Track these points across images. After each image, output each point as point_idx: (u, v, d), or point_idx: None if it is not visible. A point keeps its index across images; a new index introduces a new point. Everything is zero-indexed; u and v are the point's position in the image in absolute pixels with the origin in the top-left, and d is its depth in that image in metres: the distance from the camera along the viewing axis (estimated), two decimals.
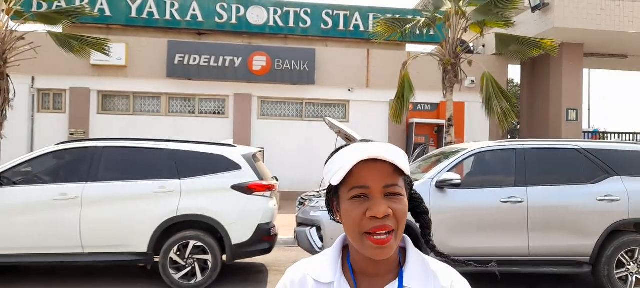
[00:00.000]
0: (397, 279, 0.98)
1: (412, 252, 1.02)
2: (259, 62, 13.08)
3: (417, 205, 1.07)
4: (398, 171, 0.95)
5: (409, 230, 1.08)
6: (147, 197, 5.42)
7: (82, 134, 12.43)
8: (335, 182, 0.94)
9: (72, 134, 12.45)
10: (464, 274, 1.04)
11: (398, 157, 0.95)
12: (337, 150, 1.00)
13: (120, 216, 5.37)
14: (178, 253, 5.39)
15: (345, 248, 1.05)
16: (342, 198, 0.97)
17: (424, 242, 1.08)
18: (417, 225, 1.11)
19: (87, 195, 5.38)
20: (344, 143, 1.00)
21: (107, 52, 9.77)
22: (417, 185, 5.29)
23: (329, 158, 1.01)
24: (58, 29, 9.91)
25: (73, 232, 5.31)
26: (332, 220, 1.05)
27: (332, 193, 1.01)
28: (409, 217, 1.08)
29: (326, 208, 1.06)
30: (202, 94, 13.34)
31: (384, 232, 0.91)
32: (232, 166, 5.62)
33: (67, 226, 5.32)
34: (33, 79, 12.66)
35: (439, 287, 0.98)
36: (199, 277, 5.38)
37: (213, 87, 13.20)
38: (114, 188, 5.48)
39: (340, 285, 0.99)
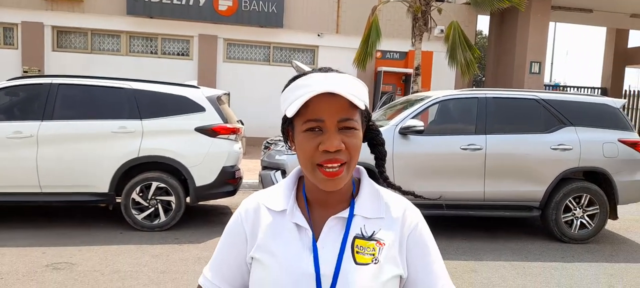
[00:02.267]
0: (348, 208, 1.00)
1: (366, 182, 1.04)
2: (225, 2, 12.58)
3: (373, 137, 1.07)
4: (355, 105, 0.93)
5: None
6: (107, 137, 5.29)
7: (36, 72, 11.82)
8: (289, 115, 0.93)
9: (25, 72, 11.82)
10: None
11: (355, 90, 0.93)
12: (294, 79, 0.97)
13: (78, 156, 5.24)
14: (141, 194, 5.35)
15: (301, 180, 1.06)
16: (296, 130, 0.96)
17: (377, 172, 1.10)
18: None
19: (43, 134, 5.20)
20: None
21: None
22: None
23: (286, 86, 0.98)
24: None
25: (30, 172, 5.17)
26: (287, 149, 1.07)
27: (287, 124, 1.00)
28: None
29: (283, 140, 1.05)
30: (165, 33, 12.81)
31: (336, 164, 0.92)
32: (196, 108, 5.51)
33: (23, 165, 5.17)
34: None
35: (391, 216, 1.01)
36: (163, 217, 5.38)
37: (176, 27, 12.69)
38: (72, 127, 5.30)
39: (292, 213, 1.00)
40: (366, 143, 1.07)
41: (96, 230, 5.34)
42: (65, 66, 11.93)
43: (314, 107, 0.91)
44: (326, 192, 0.98)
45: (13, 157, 5.16)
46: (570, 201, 5.57)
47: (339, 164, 0.92)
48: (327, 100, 0.91)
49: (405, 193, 1.09)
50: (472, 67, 9.67)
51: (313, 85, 0.91)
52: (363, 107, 0.94)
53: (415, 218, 1.02)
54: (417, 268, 1.00)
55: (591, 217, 5.61)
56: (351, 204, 1.00)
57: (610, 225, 6.25)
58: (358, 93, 0.93)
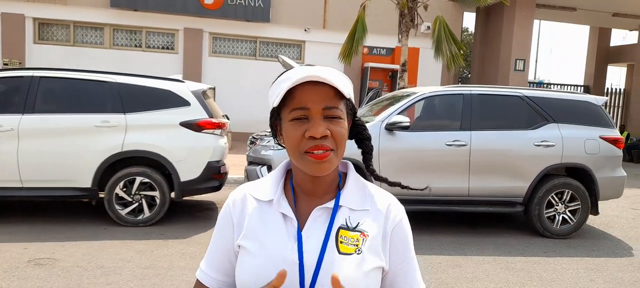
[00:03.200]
0: (334, 199, 1.02)
1: (352, 175, 1.06)
2: None
3: (359, 132, 1.10)
4: (339, 95, 0.96)
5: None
6: (89, 131, 5.20)
7: (17, 64, 11.59)
8: (275, 104, 0.97)
9: (6, 64, 11.58)
10: (407, 214, 1.09)
11: (339, 80, 0.95)
12: (281, 75, 1.00)
13: (60, 150, 5.14)
14: (124, 189, 5.28)
15: (288, 172, 1.09)
16: (283, 120, 0.98)
17: (364, 166, 1.12)
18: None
19: (24, 128, 5.10)
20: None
21: None
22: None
23: (273, 82, 1.02)
24: None
25: (10, 166, 5.07)
26: (276, 143, 1.08)
27: (275, 117, 1.02)
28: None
29: (272, 134, 1.07)
30: (150, 26, 12.65)
31: (322, 150, 0.94)
32: (181, 102, 5.45)
33: (4, 159, 5.07)
34: None
35: (375, 208, 1.03)
36: (147, 213, 5.32)
37: (161, 20, 12.54)
38: (53, 121, 5.20)
39: (279, 203, 1.02)
40: (353, 139, 1.10)
41: (79, 225, 5.26)
42: (47, 59, 11.71)
43: (299, 96, 0.94)
44: (313, 183, 1.01)
45: None
46: (552, 197, 5.66)
47: (324, 150, 0.94)
48: (312, 89, 0.94)
49: (391, 184, 1.13)
50: (458, 60, 9.75)
51: (297, 75, 0.94)
52: (347, 97, 0.97)
53: (400, 213, 1.05)
54: (398, 262, 1.03)
55: (573, 212, 5.70)
56: (337, 195, 1.02)
57: (592, 220, 6.37)
58: (342, 84, 0.96)
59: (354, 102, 1.04)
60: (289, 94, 0.95)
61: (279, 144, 1.05)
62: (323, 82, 0.93)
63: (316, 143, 0.93)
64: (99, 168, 5.19)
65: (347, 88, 0.98)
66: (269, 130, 1.07)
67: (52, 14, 12.03)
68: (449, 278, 4.25)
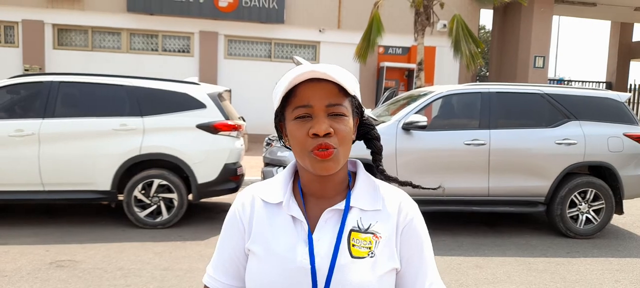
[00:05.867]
0: (345, 200, 0.99)
1: (362, 174, 1.03)
2: None
3: (367, 132, 1.06)
4: (343, 92, 0.93)
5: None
6: (108, 135, 5.26)
7: (37, 70, 11.82)
8: (277, 103, 0.95)
9: (26, 70, 11.82)
10: (426, 215, 1.06)
11: (343, 76, 0.92)
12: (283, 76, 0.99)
13: (80, 153, 5.22)
14: (143, 191, 5.33)
15: (297, 174, 1.05)
16: (287, 120, 0.96)
17: (374, 167, 1.08)
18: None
19: (44, 132, 5.18)
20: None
21: None
22: (383, 127, 5.34)
23: (276, 84, 1.00)
24: None
25: (32, 169, 5.16)
26: (281, 144, 1.05)
27: (279, 117, 1.00)
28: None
29: (277, 136, 1.05)
30: (166, 30, 12.78)
31: (326, 149, 0.91)
32: (197, 104, 5.48)
33: (26, 163, 5.15)
34: None
35: (387, 208, 0.99)
36: (165, 215, 5.36)
37: (177, 24, 12.65)
38: (73, 124, 5.28)
39: (288, 205, 0.98)
40: (362, 140, 1.08)
41: (99, 227, 5.32)
42: (66, 64, 11.92)
43: (302, 94, 0.92)
44: (321, 183, 0.98)
45: (15, 155, 5.14)
46: (575, 196, 5.52)
47: (328, 149, 0.92)
48: (315, 86, 0.91)
49: (402, 184, 1.08)
50: (478, 59, 9.60)
51: (298, 72, 0.92)
52: (352, 94, 0.95)
53: (411, 211, 1.01)
54: (409, 261, 0.99)
55: (597, 212, 5.56)
56: (347, 196, 0.99)
57: (616, 220, 6.20)
58: (345, 80, 0.93)
59: (360, 100, 1.01)
60: (292, 93, 0.92)
61: (285, 146, 1.02)
62: (326, 79, 0.91)
63: (319, 141, 0.90)
64: (118, 171, 5.24)
65: (352, 85, 0.95)
66: None
67: (71, 20, 12.24)
68: (469, 279, 4.17)
